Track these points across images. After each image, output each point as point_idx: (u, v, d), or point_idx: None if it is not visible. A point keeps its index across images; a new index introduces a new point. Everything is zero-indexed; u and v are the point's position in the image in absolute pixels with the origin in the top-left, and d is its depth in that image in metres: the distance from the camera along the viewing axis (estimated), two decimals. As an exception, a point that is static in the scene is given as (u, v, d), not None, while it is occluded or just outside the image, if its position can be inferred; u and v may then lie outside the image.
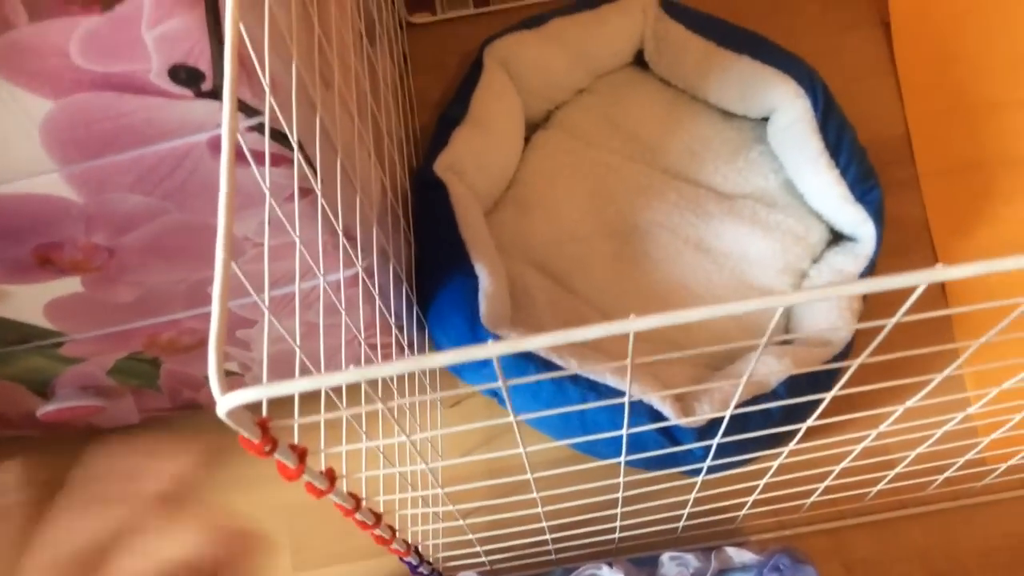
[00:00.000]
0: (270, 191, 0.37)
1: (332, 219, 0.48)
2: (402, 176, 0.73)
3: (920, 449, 0.52)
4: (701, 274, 0.71)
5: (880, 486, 0.59)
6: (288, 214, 0.46)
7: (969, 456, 0.56)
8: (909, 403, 0.43)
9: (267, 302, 0.33)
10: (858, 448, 0.50)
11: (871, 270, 0.68)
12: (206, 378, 0.61)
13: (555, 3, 0.81)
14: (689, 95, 0.76)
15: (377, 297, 0.57)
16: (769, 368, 0.61)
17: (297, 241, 0.40)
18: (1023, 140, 0.76)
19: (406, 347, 0.66)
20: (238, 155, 0.33)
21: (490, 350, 0.29)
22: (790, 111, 0.70)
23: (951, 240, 0.74)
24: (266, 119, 0.40)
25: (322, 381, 0.28)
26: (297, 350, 0.38)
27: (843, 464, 0.53)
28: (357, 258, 0.51)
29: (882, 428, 0.46)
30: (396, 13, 0.82)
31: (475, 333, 0.61)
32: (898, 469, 0.55)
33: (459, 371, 0.68)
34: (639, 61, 0.78)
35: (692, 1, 0.83)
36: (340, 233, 0.50)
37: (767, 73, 0.70)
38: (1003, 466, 0.64)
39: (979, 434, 0.65)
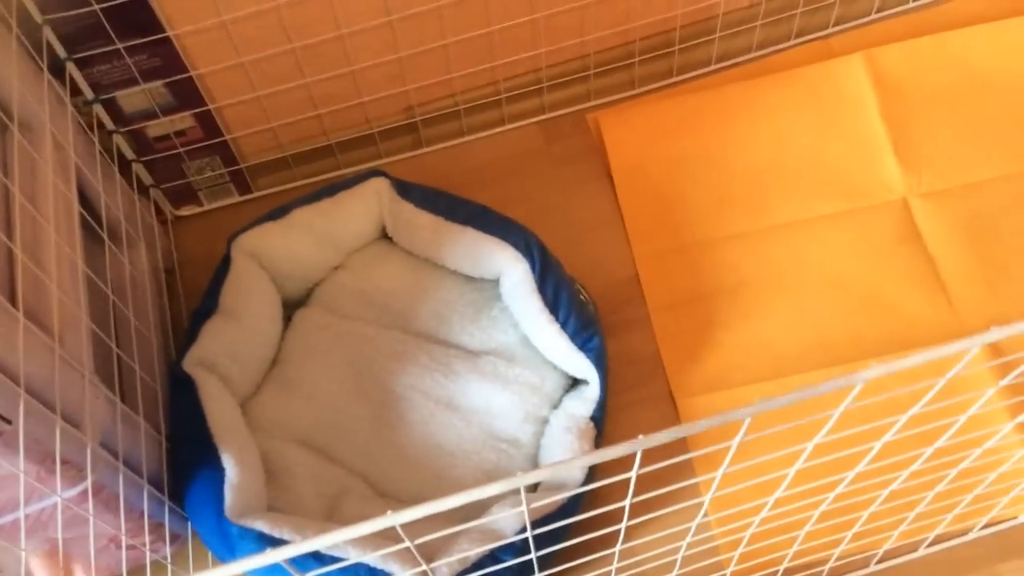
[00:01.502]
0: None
1: (39, 448, 0.52)
2: (161, 372, 0.76)
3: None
4: (452, 432, 0.76)
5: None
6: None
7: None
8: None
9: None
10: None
11: (602, 409, 0.74)
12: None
13: (310, 188, 0.88)
14: (432, 263, 0.82)
15: (123, 505, 0.59)
16: (506, 521, 0.66)
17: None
18: (734, 271, 0.85)
19: (168, 540, 0.69)
20: None
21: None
22: (513, 274, 0.77)
23: (682, 368, 0.82)
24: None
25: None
26: None
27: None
28: (57, 485, 0.54)
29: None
30: (152, 210, 0.87)
31: (221, 525, 0.64)
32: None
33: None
34: (387, 234, 0.84)
35: (440, 172, 0.92)
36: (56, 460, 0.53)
37: (489, 242, 0.77)
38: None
39: (720, 552, 0.71)
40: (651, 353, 0.83)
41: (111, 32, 0.73)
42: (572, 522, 0.48)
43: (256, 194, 0.93)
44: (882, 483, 0.56)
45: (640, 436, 0.38)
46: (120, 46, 0.74)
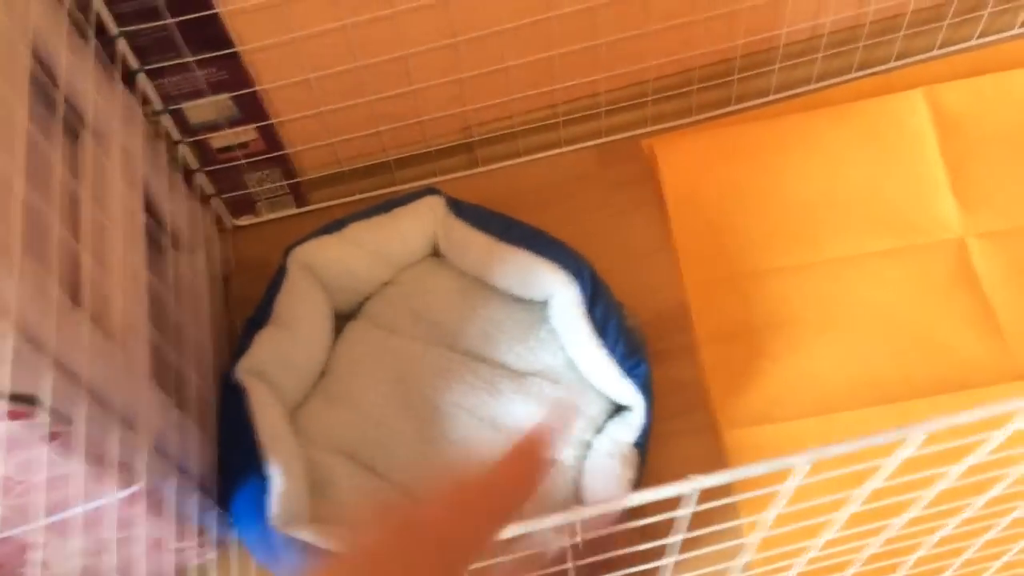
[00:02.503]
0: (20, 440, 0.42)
1: (95, 450, 0.53)
2: (215, 378, 0.78)
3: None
4: (495, 451, 0.76)
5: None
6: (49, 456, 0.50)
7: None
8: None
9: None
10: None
11: (646, 436, 0.74)
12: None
13: (365, 202, 0.89)
14: (482, 282, 0.83)
15: (173, 509, 0.61)
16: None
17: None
18: (784, 304, 0.85)
19: (213, 545, 0.70)
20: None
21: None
22: (563, 297, 0.77)
23: (728, 399, 0.82)
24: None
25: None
26: None
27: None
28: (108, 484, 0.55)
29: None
30: (212, 219, 0.89)
31: (266, 533, 0.65)
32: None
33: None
34: (438, 252, 0.85)
35: (494, 192, 0.93)
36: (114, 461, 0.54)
37: (541, 264, 0.78)
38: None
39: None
40: (697, 382, 0.83)
41: (183, 45, 0.75)
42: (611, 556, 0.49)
43: (312, 207, 0.94)
44: (929, 529, 0.56)
45: (694, 475, 0.38)
46: (190, 59, 0.76)
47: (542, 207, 0.92)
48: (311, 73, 0.81)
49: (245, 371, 0.74)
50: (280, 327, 0.77)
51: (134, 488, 0.58)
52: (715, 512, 0.45)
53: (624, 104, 0.93)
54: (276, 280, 0.80)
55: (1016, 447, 0.47)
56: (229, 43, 0.77)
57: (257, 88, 0.81)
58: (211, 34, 0.76)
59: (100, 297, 0.58)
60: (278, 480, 0.67)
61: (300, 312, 0.78)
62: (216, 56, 0.77)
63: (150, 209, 0.72)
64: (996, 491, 0.51)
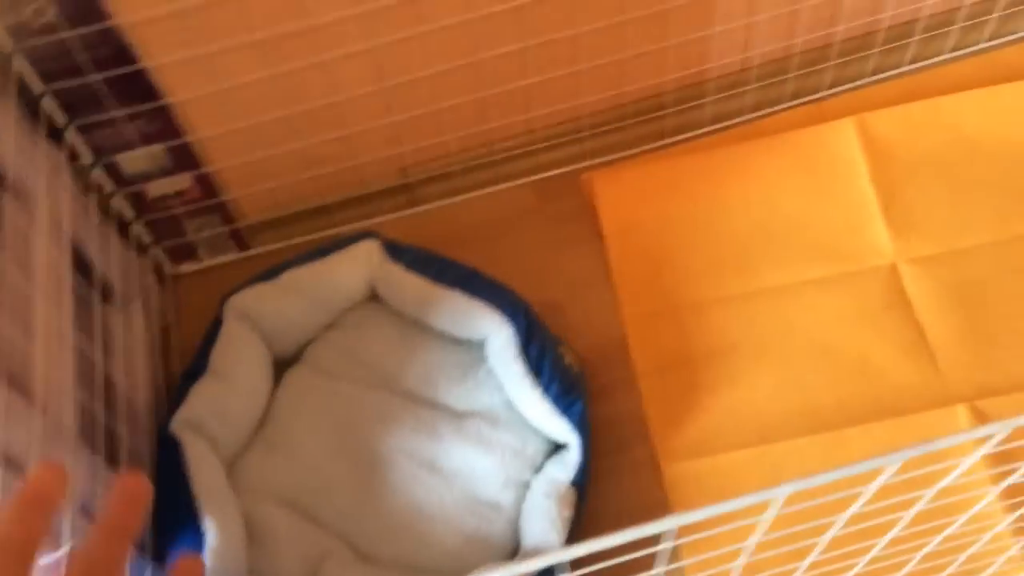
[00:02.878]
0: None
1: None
2: (151, 433, 0.77)
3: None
4: (435, 495, 0.76)
5: None
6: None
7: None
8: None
9: None
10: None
11: (583, 473, 0.75)
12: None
13: (312, 244, 0.90)
14: (422, 324, 0.84)
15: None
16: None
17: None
18: (722, 335, 0.86)
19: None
20: None
21: None
22: (498, 338, 0.78)
23: (667, 433, 0.82)
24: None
25: None
26: None
27: None
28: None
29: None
30: (151, 268, 0.89)
31: (200, 589, 0.65)
32: None
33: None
34: (378, 295, 0.86)
35: (435, 231, 0.93)
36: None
37: (476, 305, 0.79)
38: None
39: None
40: (638, 416, 0.84)
41: (111, 99, 0.75)
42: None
43: (255, 251, 0.95)
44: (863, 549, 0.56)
45: (628, 528, 0.38)
46: (120, 113, 0.76)
47: (483, 244, 0.93)
48: (244, 121, 0.81)
49: (181, 425, 0.74)
50: (217, 378, 0.77)
51: (59, 553, 0.58)
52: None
53: (561, 140, 0.94)
54: (212, 330, 0.80)
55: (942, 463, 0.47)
56: (159, 95, 0.77)
57: (190, 138, 0.81)
58: (140, 87, 0.76)
59: (20, 363, 0.58)
60: (213, 536, 0.67)
61: (237, 362, 0.78)
62: (146, 109, 0.77)
63: (79, 265, 0.72)
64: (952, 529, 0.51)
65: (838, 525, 0.46)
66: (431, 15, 0.77)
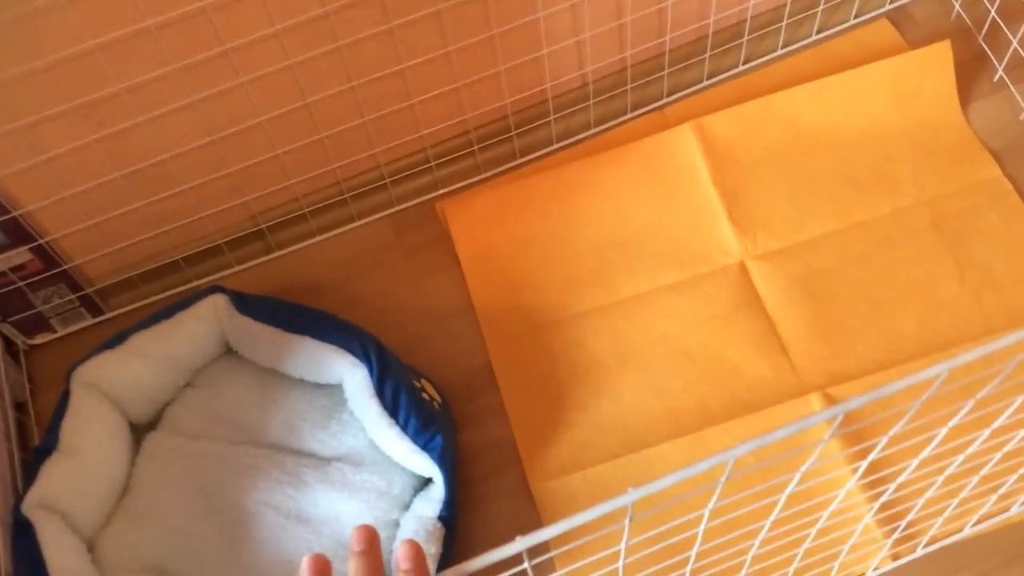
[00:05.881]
0: None
1: None
2: (9, 515, 0.75)
3: None
4: (303, 546, 0.76)
5: None
6: None
7: None
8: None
9: None
10: None
11: (449, 507, 0.75)
12: None
13: (168, 301, 0.88)
14: (279, 373, 0.83)
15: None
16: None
17: None
18: (584, 350, 0.86)
19: None
20: None
21: None
22: (352, 380, 0.78)
23: (536, 453, 0.83)
24: None
25: None
26: None
27: None
28: None
29: None
30: (1, 344, 0.86)
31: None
32: None
33: None
34: (232, 348, 0.85)
35: (294, 275, 0.93)
36: None
37: (327, 350, 0.78)
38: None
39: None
40: (508, 440, 0.84)
41: (-76, 182, 0.73)
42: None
43: (111, 314, 0.93)
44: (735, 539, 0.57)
45: (469, 561, 0.38)
46: (-64, 194, 0.74)
47: (344, 284, 0.92)
48: (72, 188, 0.80)
49: (34, 505, 0.72)
50: (68, 454, 0.75)
51: None
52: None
53: (410, 172, 0.95)
54: (61, 404, 0.78)
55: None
56: (-22, 173, 0.75)
57: (19, 212, 0.79)
58: (-43, 166, 0.74)
59: None
60: (67, 618, 0.66)
61: (88, 435, 0.77)
62: (-33, 187, 0.75)
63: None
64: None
65: (705, 521, 0.47)
66: (249, 65, 0.77)
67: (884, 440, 0.49)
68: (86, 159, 0.78)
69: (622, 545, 0.44)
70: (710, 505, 0.46)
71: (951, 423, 0.51)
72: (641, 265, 0.90)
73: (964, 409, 0.49)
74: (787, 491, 0.49)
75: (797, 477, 0.48)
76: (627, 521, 0.41)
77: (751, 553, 0.56)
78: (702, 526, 0.48)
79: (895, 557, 0.75)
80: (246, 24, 0.73)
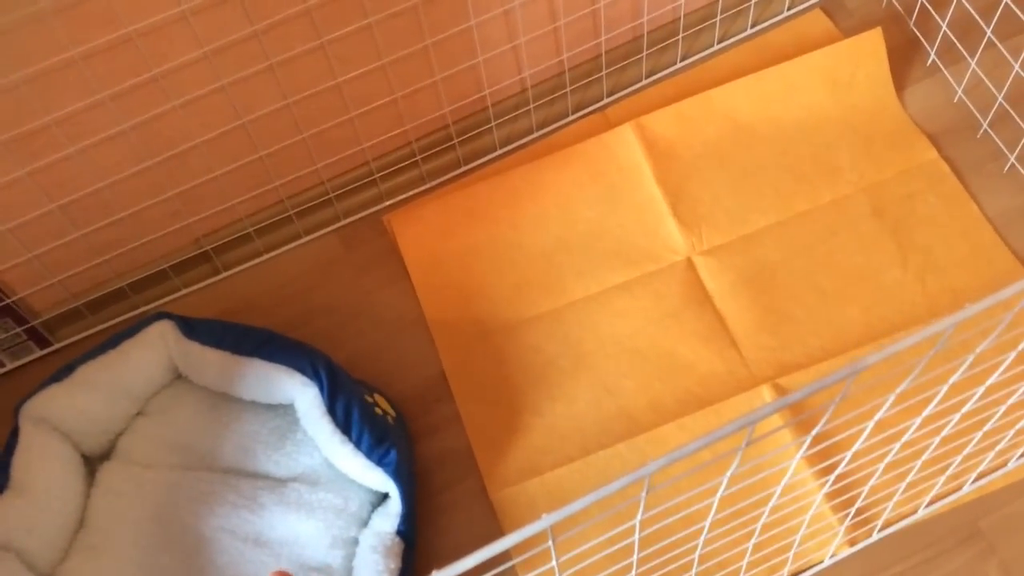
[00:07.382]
0: None
1: None
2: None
3: None
4: (263, 569, 0.75)
5: None
6: None
7: None
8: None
9: None
10: None
11: (407, 521, 0.75)
12: None
13: (116, 328, 0.87)
14: (231, 396, 0.82)
15: None
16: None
17: None
18: (538, 354, 0.87)
19: None
20: None
21: None
22: (303, 400, 0.77)
23: (494, 460, 0.83)
24: None
25: None
26: None
27: None
28: None
29: None
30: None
31: None
32: None
33: None
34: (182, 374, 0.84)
35: (243, 295, 0.92)
36: None
37: (276, 371, 0.78)
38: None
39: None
40: (466, 449, 0.84)
41: None
42: None
43: (59, 345, 0.92)
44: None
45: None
46: None
47: (293, 300, 0.92)
48: (8, 223, 0.79)
49: (-16, 547, 0.71)
50: (18, 492, 0.74)
51: None
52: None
53: (354, 185, 0.94)
54: (10, 441, 0.77)
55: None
56: (-91, 211, 0.74)
57: (-45, 248, 0.78)
58: None
59: None
60: (22, 659, 0.65)
61: (40, 471, 0.76)
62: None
63: None
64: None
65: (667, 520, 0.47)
66: (180, 89, 0.76)
67: (825, 418, 0.49)
68: (22, 192, 0.77)
69: (553, 563, 0.44)
70: (636, 519, 0.46)
71: (884, 410, 0.52)
72: (590, 266, 0.90)
73: (894, 394, 0.50)
74: (728, 473, 0.49)
75: (738, 458, 0.48)
76: (551, 543, 0.41)
77: (697, 552, 0.57)
78: (636, 536, 0.48)
79: (852, 543, 0.76)
80: (173, 48, 0.73)
